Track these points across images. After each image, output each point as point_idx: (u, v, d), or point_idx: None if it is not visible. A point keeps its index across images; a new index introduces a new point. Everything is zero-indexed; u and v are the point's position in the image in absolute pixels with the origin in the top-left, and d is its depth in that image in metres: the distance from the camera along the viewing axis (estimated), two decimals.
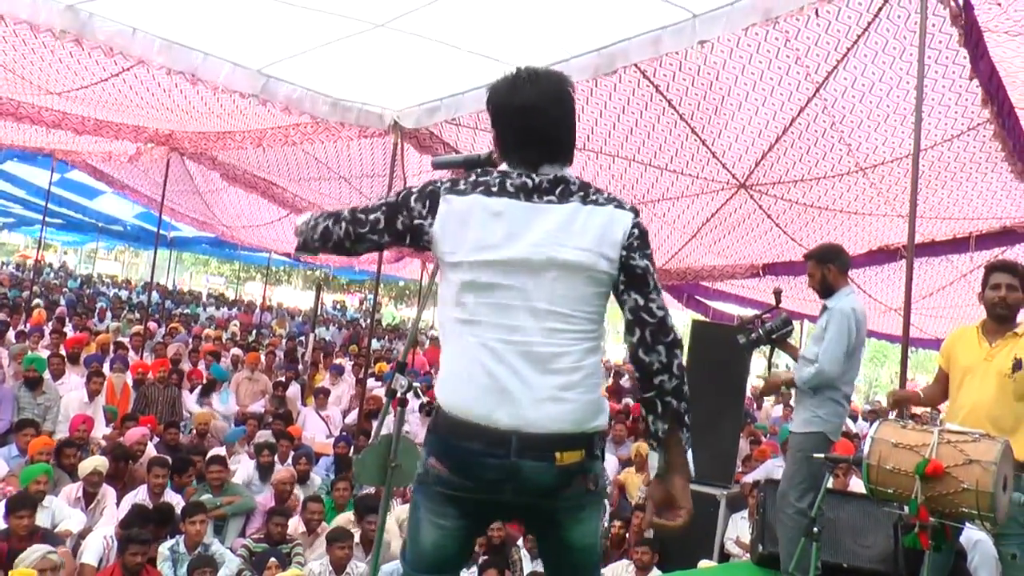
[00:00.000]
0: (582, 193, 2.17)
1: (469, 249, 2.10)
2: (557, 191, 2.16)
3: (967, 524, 3.62)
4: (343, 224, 2.24)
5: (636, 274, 2.13)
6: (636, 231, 2.15)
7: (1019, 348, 4.02)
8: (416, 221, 2.16)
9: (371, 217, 2.21)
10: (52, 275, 29.54)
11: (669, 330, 2.12)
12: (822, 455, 4.28)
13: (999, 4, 4.68)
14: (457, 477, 2.10)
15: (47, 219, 16.29)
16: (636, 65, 6.02)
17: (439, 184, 2.18)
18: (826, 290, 4.72)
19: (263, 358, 12.63)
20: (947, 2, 4.61)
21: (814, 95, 6.17)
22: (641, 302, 2.11)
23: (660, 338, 2.10)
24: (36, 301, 17.02)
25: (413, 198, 2.18)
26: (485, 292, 2.09)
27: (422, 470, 2.17)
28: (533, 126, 2.19)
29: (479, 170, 2.22)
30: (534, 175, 2.17)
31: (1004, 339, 4.08)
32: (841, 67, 5.76)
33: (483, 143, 7.80)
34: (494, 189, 2.13)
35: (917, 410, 11.70)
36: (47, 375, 8.78)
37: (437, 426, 2.14)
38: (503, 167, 2.22)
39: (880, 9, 5.07)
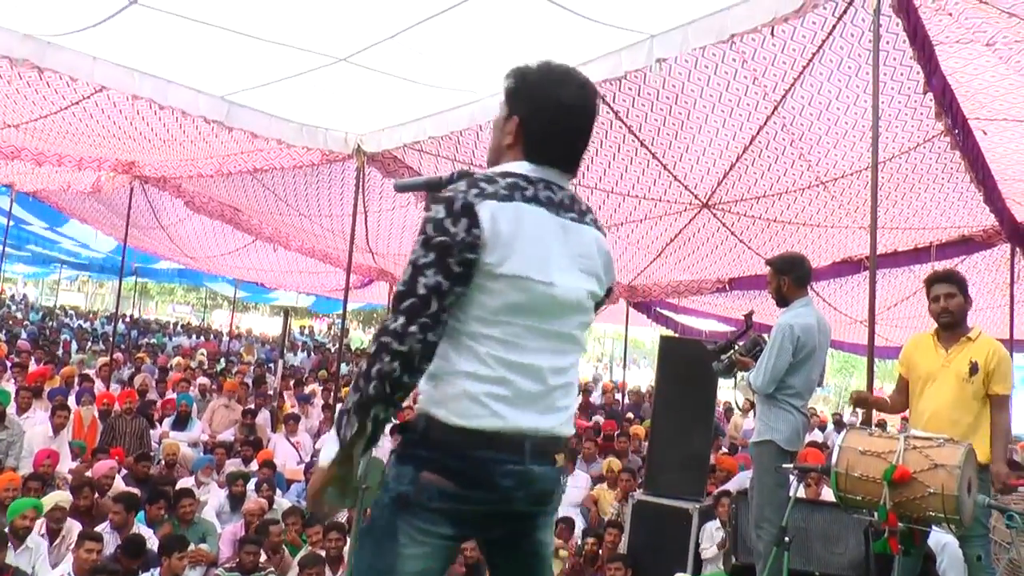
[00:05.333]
0: (586, 212, 2.16)
1: (518, 263, 1.95)
2: (575, 209, 2.12)
3: (934, 527, 3.68)
4: (406, 334, 1.87)
5: (607, 295, 2.23)
6: (609, 256, 2.21)
7: (974, 352, 4.19)
8: (469, 245, 1.90)
9: (421, 291, 1.89)
10: (13, 307, 29.06)
11: None
12: (790, 466, 4.33)
13: (950, 15, 4.81)
14: (467, 490, 1.99)
15: (7, 250, 16.04)
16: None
17: (461, 194, 1.93)
18: (781, 300, 4.81)
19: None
20: (900, 18, 4.71)
21: (772, 113, 6.28)
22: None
23: None
24: None
25: (448, 226, 1.90)
26: (514, 308, 1.97)
27: (407, 489, 1.99)
28: (572, 130, 2.12)
29: (499, 171, 2.04)
30: (554, 186, 2.08)
31: (959, 344, 4.25)
32: (798, 85, 5.87)
33: (445, 168, 7.86)
34: (528, 195, 2.00)
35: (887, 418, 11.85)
36: (11, 410, 8.63)
37: (432, 440, 1.98)
38: (520, 169, 2.06)
39: (834, 27, 5.19)
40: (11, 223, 14.11)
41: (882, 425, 10.11)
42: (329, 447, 1.97)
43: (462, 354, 1.98)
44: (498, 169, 2.07)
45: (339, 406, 2.00)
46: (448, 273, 1.90)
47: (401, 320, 1.88)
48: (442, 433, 1.97)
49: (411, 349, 1.88)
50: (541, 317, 2.02)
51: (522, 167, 2.07)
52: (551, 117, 2.09)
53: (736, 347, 4.90)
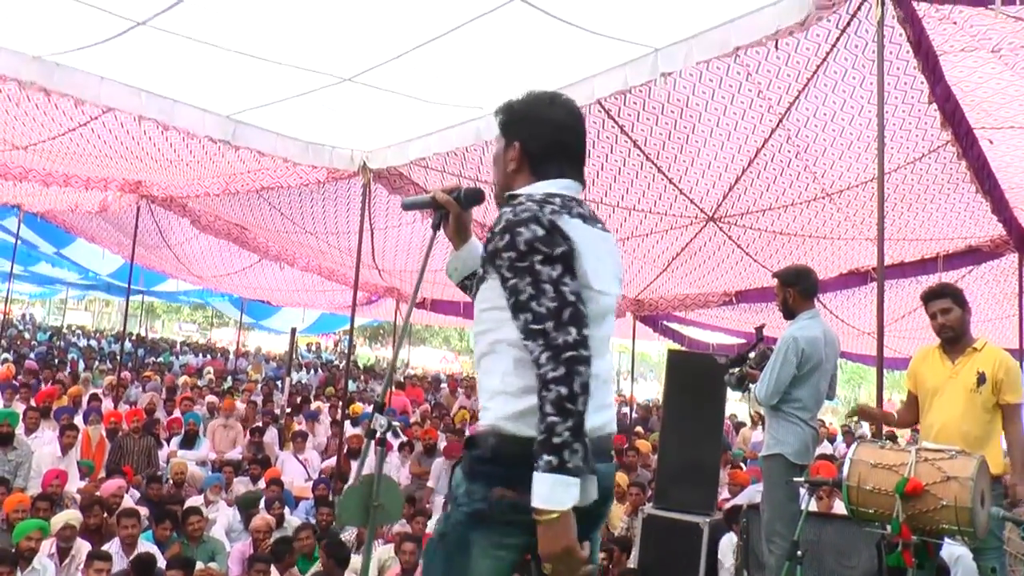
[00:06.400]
0: (600, 220, 2.24)
1: (589, 277, 2.03)
2: (597, 219, 2.21)
3: (948, 540, 3.66)
4: (581, 341, 1.93)
5: None
6: None
7: (980, 362, 4.17)
8: (566, 250, 1.99)
9: (571, 297, 1.96)
10: (21, 327, 29.15)
11: None
12: (801, 479, 4.31)
13: (955, 23, 4.81)
14: None
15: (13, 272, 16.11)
16: (601, 104, 6.10)
17: (539, 212, 2.01)
18: (788, 312, 4.83)
19: (242, 405, 12.55)
20: (904, 29, 4.72)
21: (777, 126, 6.29)
22: None
23: None
24: (4, 356, 16.79)
25: (554, 239, 1.98)
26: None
27: (481, 506, 2.04)
28: (571, 144, 2.22)
29: (545, 194, 2.10)
30: (580, 201, 2.16)
31: (965, 355, 4.23)
32: (803, 97, 5.88)
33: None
34: (574, 212, 2.08)
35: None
36: (19, 430, 8.63)
37: (503, 456, 2.02)
38: (551, 188, 2.13)
39: (838, 39, 5.19)
40: (19, 242, 14.15)
41: (891, 438, 10.05)
42: (556, 489, 1.85)
43: (531, 369, 1.99)
44: (537, 192, 2.13)
45: (549, 441, 1.86)
46: (575, 279, 1.98)
47: (574, 330, 1.92)
48: (515, 446, 1.98)
49: (592, 352, 1.95)
50: (597, 324, 2.07)
51: (548, 186, 2.14)
52: (549, 136, 2.19)
53: (748, 360, 4.91)
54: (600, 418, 2.09)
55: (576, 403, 1.87)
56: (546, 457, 1.85)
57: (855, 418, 4.53)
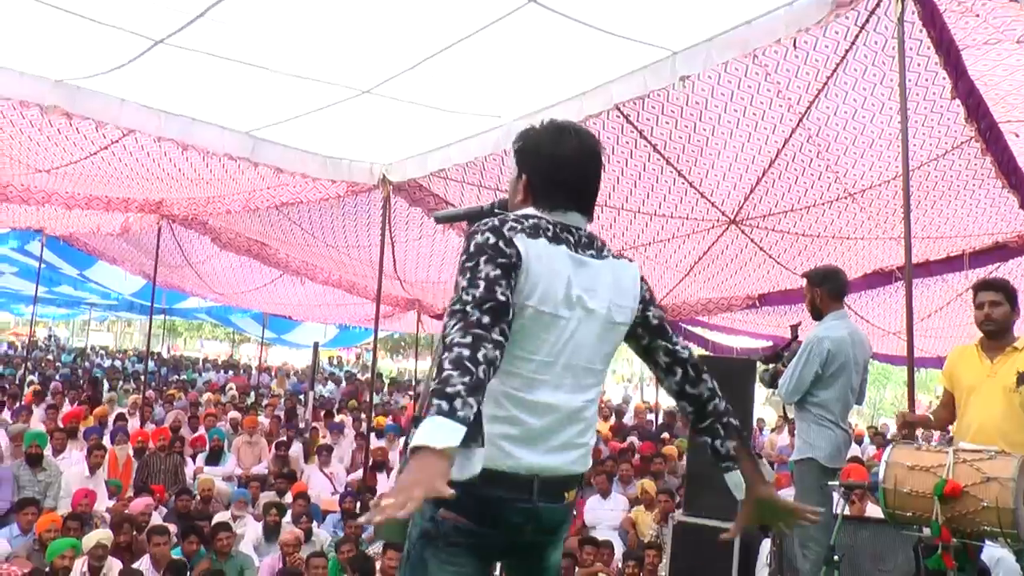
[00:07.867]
0: (604, 249, 2.25)
1: (537, 297, 2.06)
2: (594, 246, 2.23)
3: (989, 542, 3.59)
4: (495, 329, 1.93)
5: (656, 325, 2.32)
6: (645, 284, 2.31)
7: (1021, 362, 4.08)
8: (514, 263, 2.02)
9: (501, 297, 1.97)
10: (45, 351, 29.43)
11: (700, 362, 2.34)
12: (836, 483, 4.26)
13: (977, 15, 4.75)
14: (479, 526, 2.11)
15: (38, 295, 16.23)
16: (619, 109, 6.08)
17: (501, 224, 2.08)
18: (816, 313, 4.80)
19: (266, 420, 12.58)
20: (925, 24, 4.67)
21: (798, 126, 6.23)
22: (671, 347, 2.32)
23: (700, 370, 2.32)
24: (30, 379, 16.92)
25: (494, 242, 2.03)
26: (533, 343, 2.08)
27: (428, 525, 2.15)
28: (573, 178, 2.23)
29: (522, 214, 2.16)
30: (572, 228, 2.19)
31: (1004, 354, 4.14)
32: (823, 96, 5.82)
33: (470, 195, 7.86)
34: (549, 235, 2.13)
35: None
36: (48, 451, 8.70)
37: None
38: (538, 213, 2.18)
39: (857, 36, 5.14)
40: (42, 266, 14.28)
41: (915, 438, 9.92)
42: (438, 430, 1.76)
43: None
44: (519, 212, 2.20)
45: (443, 390, 1.81)
46: (498, 266, 1.99)
47: (488, 318, 1.93)
48: None
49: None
50: (560, 352, 2.11)
51: (539, 212, 2.20)
52: (551, 170, 2.22)
53: (783, 357, 4.90)
54: (553, 459, 2.13)
55: (475, 366, 1.85)
56: (436, 401, 1.80)
57: (904, 431, 4.48)
